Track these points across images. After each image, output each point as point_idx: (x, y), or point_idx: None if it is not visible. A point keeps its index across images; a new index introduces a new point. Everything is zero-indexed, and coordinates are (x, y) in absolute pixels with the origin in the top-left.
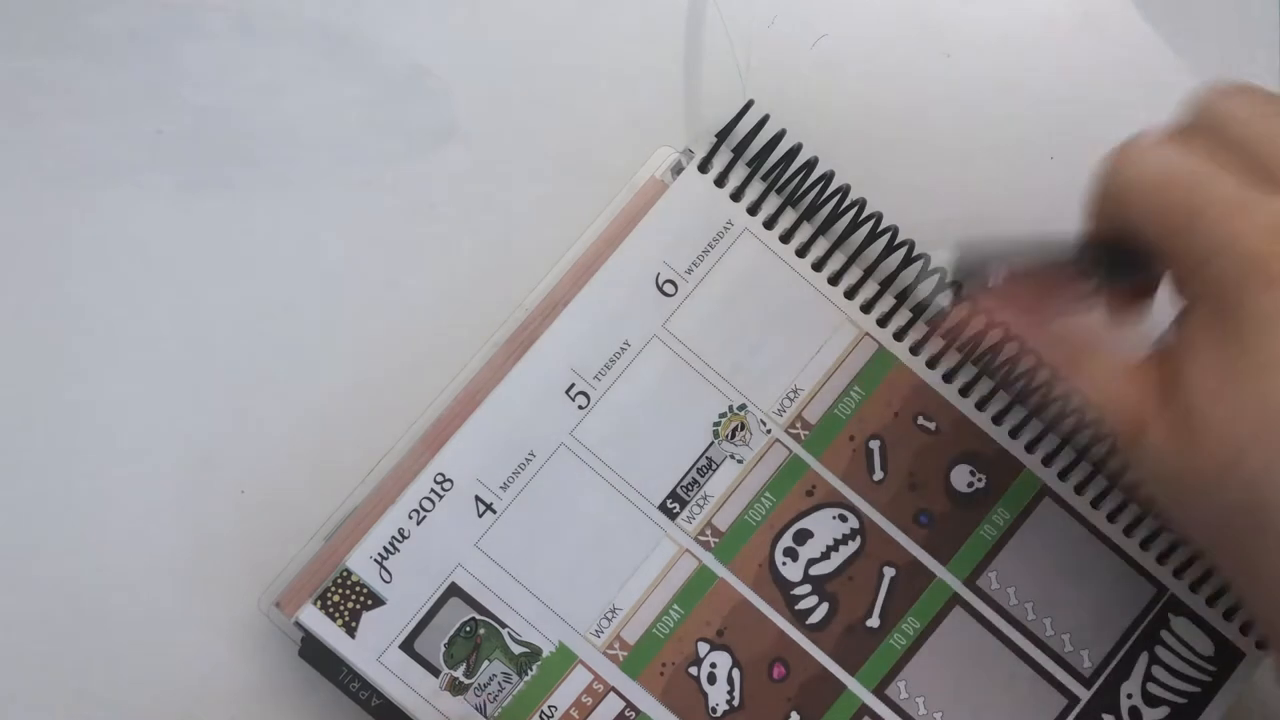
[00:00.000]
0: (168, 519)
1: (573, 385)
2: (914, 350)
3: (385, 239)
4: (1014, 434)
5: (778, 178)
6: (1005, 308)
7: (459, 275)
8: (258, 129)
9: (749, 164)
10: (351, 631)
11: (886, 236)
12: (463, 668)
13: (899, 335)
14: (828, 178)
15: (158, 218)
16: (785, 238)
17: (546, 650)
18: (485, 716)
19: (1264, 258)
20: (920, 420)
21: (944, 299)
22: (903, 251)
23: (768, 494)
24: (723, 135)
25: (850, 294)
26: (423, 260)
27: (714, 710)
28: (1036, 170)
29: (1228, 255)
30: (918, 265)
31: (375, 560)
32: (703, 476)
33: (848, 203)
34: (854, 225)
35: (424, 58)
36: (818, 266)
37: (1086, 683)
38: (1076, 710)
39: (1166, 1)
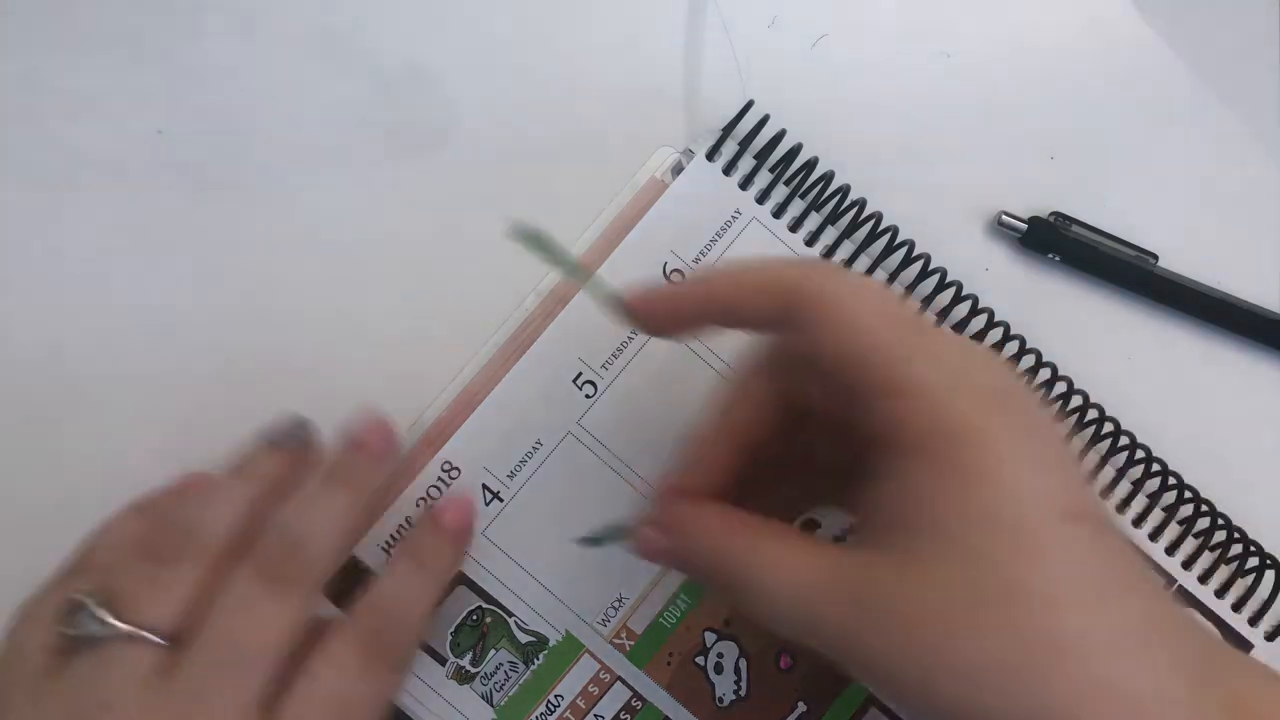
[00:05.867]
0: None
1: (580, 374)
2: None
3: (385, 238)
4: None
5: (782, 172)
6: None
7: (459, 275)
8: (258, 129)
9: (756, 156)
10: None
11: (887, 237)
12: (469, 656)
13: None
14: (828, 178)
15: (158, 218)
16: (794, 227)
17: (553, 639)
18: (492, 705)
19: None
20: None
21: (945, 298)
22: (903, 252)
23: None
24: (727, 130)
25: None
26: (423, 260)
27: (721, 700)
28: (1036, 170)
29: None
30: (918, 265)
31: (383, 549)
32: None
33: (848, 203)
34: (854, 225)
35: (424, 58)
36: (827, 255)
37: None
38: None
39: (1166, 2)
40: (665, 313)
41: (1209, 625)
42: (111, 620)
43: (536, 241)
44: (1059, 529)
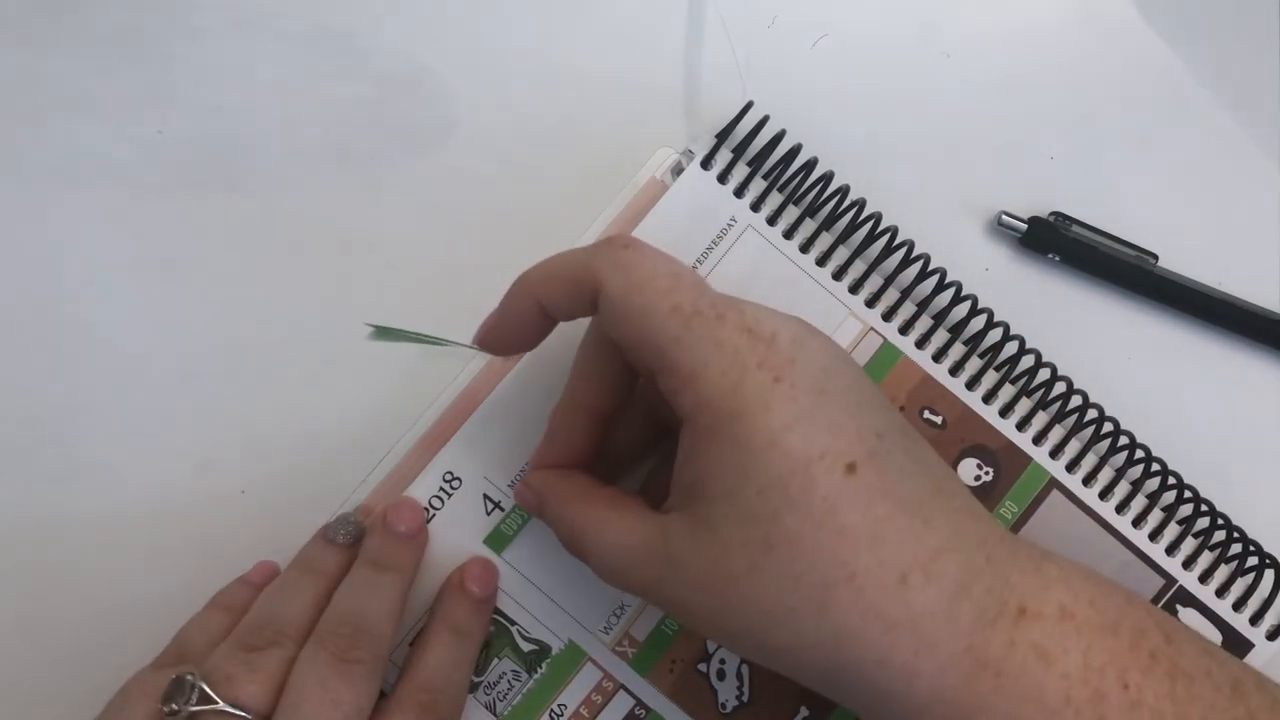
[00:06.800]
0: (168, 519)
1: None
2: (919, 344)
3: (385, 239)
4: (1021, 426)
5: (778, 176)
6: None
7: (459, 275)
8: (258, 129)
9: (750, 164)
10: None
11: (886, 237)
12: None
13: (904, 329)
14: (827, 178)
15: (158, 218)
16: (789, 234)
17: (556, 648)
18: (495, 715)
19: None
20: (927, 414)
21: (945, 298)
22: (902, 252)
23: None
24: (723, 136)
25: (855, 289)
26: (422, 260)
27: (724, 706)
28: (1036, 170)
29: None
30: (917, 265)
31: None
32: None
33: (847, 203)
34: (854, 225)
35: (424, 58)
36: (821, 262)
37: None
38: None
39: (1166, 1)
40: (504, 333)
41: (1008, 535)
42: (213, 695)
43: (388, 333)
44: (841, 482)
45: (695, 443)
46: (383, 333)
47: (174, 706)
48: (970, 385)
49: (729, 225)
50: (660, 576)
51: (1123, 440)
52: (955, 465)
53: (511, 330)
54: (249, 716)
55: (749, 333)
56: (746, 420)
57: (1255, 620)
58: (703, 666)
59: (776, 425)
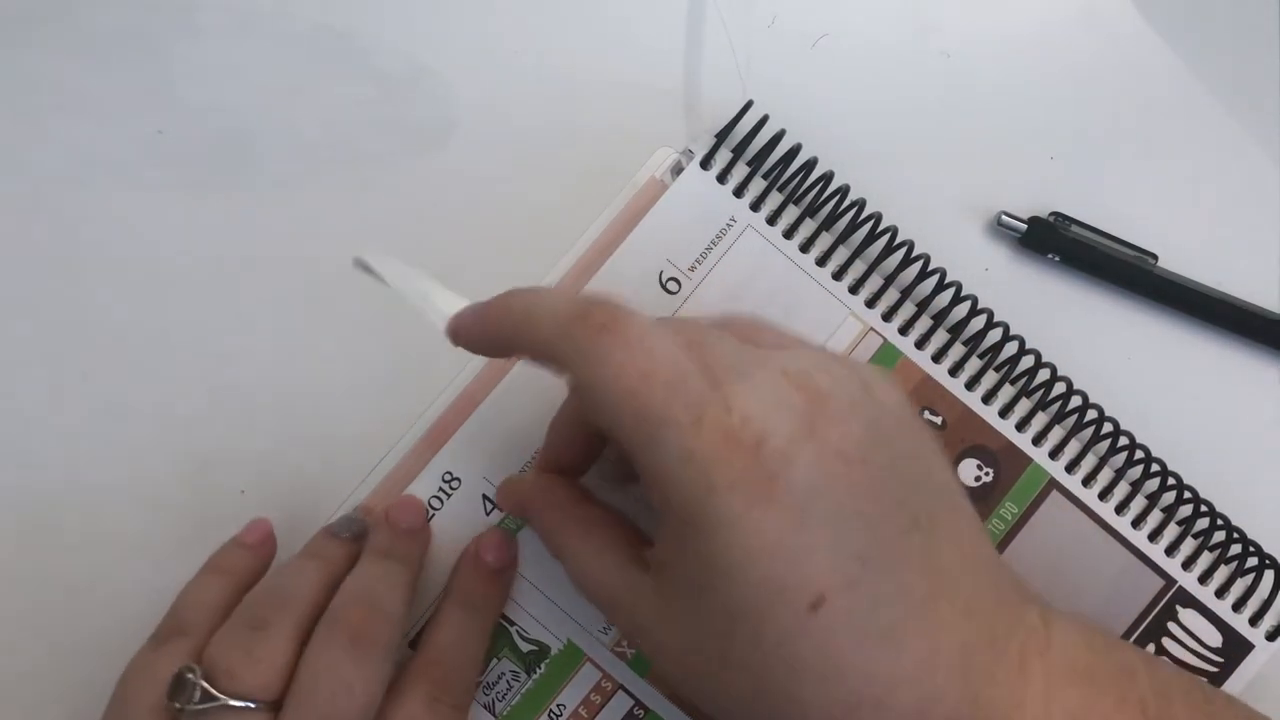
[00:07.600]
0: (168, 520)
1: None
2: (919, 344)
3: (385, 238)
4: (1021, 427)
5: (778, 176)
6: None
7: (458, 276)
8: (258, 129)
9: (749, 163)
10: None
11: (886, 237)
12: None
13: (904, 329)
14: (827, 178)
15: (158, 218)
16: (789, 234)
17: (555, 648)
18: (494, 715)
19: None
20: (927, 414)
21: (945, 298)
22: (902, 252)
23: None
24: (722, 135)
25: (855, 289)
26: (422, 260)
27: None
28: (1036, 170)
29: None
30: (917, 265)
31: None
32: None
33: (847, 203)
34: (853, 225)
35: (424, 58)
36: (821, 262)
37: None
38: None
39: (1167, 2)
40: (478, 337)
41: (1000, 636)
42: (215, 693)
43: (371, 272)
44: (800, 619)
45: (668, 529)
46: (366, 269)
47: (178, 706)
48: (970, 385)
49: (729, 225)
50: (628, 630)
51: (1122, 441)
52: (955, 466)
53: (486, 339)
54: (256, 707)
55: (730, 439)
56: (710, 540)
57: (1255, 621)
58: None
59: (738, 556)
